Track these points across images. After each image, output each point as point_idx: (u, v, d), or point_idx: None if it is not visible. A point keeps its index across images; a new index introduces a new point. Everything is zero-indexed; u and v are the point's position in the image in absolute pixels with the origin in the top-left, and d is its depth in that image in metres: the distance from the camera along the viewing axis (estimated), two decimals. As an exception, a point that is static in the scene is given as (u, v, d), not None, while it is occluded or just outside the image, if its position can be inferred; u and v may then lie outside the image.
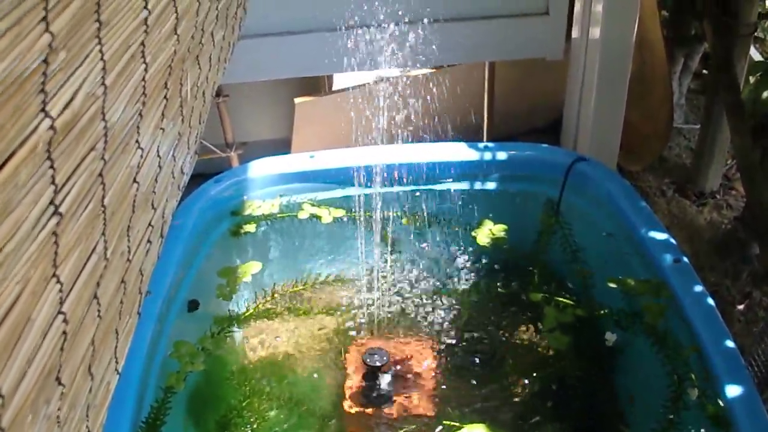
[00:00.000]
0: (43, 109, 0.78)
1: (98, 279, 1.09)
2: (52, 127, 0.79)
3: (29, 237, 0.80)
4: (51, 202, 0.84)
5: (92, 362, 1.23)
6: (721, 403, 1.72)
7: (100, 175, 0.99)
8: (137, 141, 1.16)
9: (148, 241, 1.45)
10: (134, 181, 1.18)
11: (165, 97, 1.32)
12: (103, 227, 1.04)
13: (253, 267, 2.25)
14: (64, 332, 0.97)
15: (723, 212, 3.17)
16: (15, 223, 0.76)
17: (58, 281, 0.91)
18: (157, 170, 1.34)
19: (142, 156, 1.19)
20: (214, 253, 2.32)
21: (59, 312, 0.94)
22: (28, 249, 0.80)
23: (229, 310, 2.19)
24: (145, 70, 1.15)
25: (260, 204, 2.42)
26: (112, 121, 1.00)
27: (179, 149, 1.54)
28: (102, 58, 0.95)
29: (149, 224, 1.41)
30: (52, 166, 0.82)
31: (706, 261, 2.88)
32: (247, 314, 2.21)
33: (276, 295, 2.29)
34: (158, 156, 1.33)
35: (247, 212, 2.39)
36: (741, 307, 2.70)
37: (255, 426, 1.93)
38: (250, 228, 2.36)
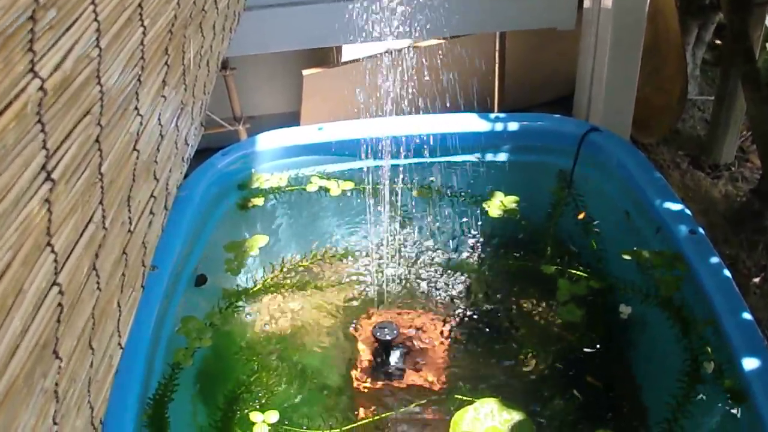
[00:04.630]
0: (32, 69, 0.74)
1: (96, 250, 1.05)
2: (41, 88, 0.76)
3: (20, 203, 0.76)
4: (43, 168, 0.81)
5: (93, 336, 1.20)
6: (737, 377, 1.69)
7: (97, 141, 0.96)
8: (136, 107, 1.12)
9: (151, 212, 1.42)
10: (134, 149, 1.14)
11: (166, 63, 1.29)
12: (101, 196, 1.01)
13: (261, 240, 2.22)
14: (60, 304, 0.94)
15: (738, 184, 3.12)
16: (4, 187, 0.73)
17: (53, 250, 0.88)
18: (159, 139, 1.31)
19: (141, 123, 1.16)
20: (222, 227, 2.30)
21: (54, 283, 0.91)
22: (18, 215, 0.77)
23: (237, 285, 2.17)
24: (144, 33, 1.11)
25: (268, 177, 2.39)
26: (108, 85, 0.96)
27: (183, 119, 1.51)
28: (96, 19, 0.92)
29: (152, 195, 1.38)
30: (43, 130, 0.79)
31: (721, 234, 2.84)
32: (255, 289, 2.18)
33: (285, 269, 2.26)
34: (160, 124, 1.30)
35: (254, 185, 2.36)
36: (757, 279, 2.66)
37: (264, 401, 1.91)
38: (258, 201, 2.33)
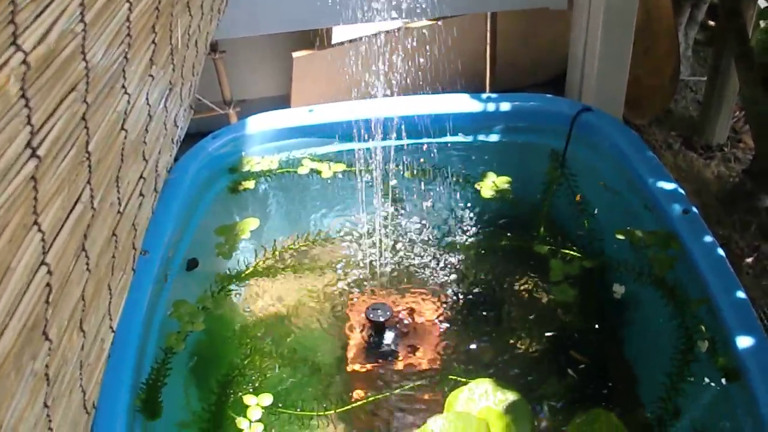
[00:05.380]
0: (14, 42, 0.73)
1: (85, 230, 1.04)
2: (25, 62, 0.74)
3: (4, 179, 0.75)
4: (28, 144, 0.79)
5: (83, 318, 1.19)
6: (731, 355, 1.69)
7: (83, 118, 0.95)
8: (123, 86, 1.11)
9: (141, 194, 1.40)
10: (122, 128, 1.13)
11: (153, 42, 1.27)
12: (89, 175, 1.00)
13: (252, 224, 2.21)
14: (49, 284, 0.92)
15: (730, 165, 3.11)
16: (-13, 163, 0.72)
17: (40, 229, 0.86)
18: (147, 119, 1.29)
19: (129, 102, 1.14)
20: (213, 211, 2.28)
21: (42, 263, 0.89)
22: (3, 192, 0.75)
23: (228, 268, 2.16)
24: (129, 10, 1.10)
25: (259, 160, 2.37)
26: (94, 61, 0.95)
27: (171, 100, 1.49)
28: (80, -7, 0.90)
29: (141, 176, 1.37)
30: (27, 105, 0.77)
31: (714, 214, 2.83)
32: (247, 272, 2.17)
33: (277, 252, 2.25)
34: (148, 104, 1.28)
35: (245, 168, 2.35)
36: (750, 260, 2.65)
37: (257, 384, 1.91)
38: (249, 185, 2.32)
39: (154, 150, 1.41)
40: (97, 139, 1.00)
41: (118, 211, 1.23)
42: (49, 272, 0.91)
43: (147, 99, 1.28)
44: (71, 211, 0.96)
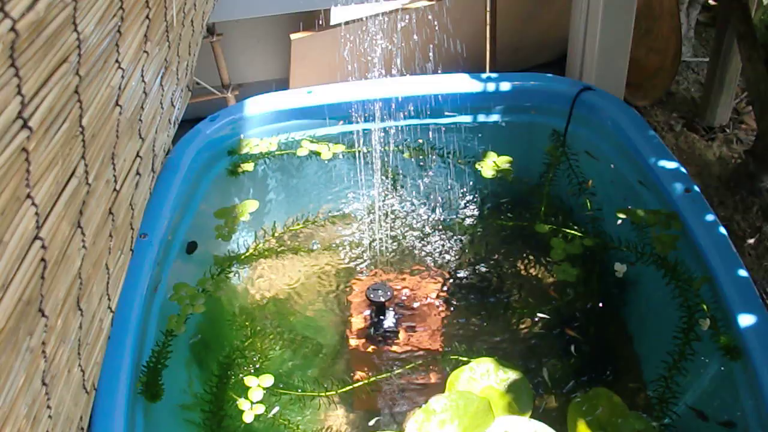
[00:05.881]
0: (2, 9, 0.72)
1: (80, 206, 1.03)
2: (13, 29, 0.73)
3: (-5, 150, 0.74)
4: (19, 115, 0.78)
5: (80, 296, 1.18)
6: (733, 333, 1.68)
7: (76, 92, 0.93)
8: (117, 60, 1.09)
9: (137, 173, 1.39)
10: (116, 104, 1.12)
11: (147, 17, 1.26)
12: (83, 150, 0.99)
13: (251, 206, 2.20)
14: (43, 259, 0.92)
15: (733, 146, 3.10)
16: (-25, 131, 0.71)
17: (33, 203, 0.85)
18: (143, 96, 1.28)
19: (123, 77, 1.13)
20: (212, 194, 2.27)
21: (36, 237, 0.89)
22: (-7, 163, 0.74)
23: (228, 251, 2.15)
24: (122, -17, 1.09)
25: (258, 142, 2.36)
26: (86, 33, 0.94)
27: (167, 78, 1.48)
28: (71, -37, 0.89)
29: (137, 155, 1.36)
30: (17, 74, 0.76)
31: (716, 195, 2.82)
32: (247, 254, 2.16)
33: (276, 234, 2.24)
34: (143, 81, 1.27)
35: (244, 151, 2.33)
36: (752, 241, 2.64)
37: (258, 365, 1.90)
38: (248, 167, 2.31)
39: (151, 129, 1.40)
40: (90, 113, 0.99)
41: (114, 189, 1.22)
42: (44, 247, 0.90)
43: (142, 76, 1.27)
44: (65, 185, 0.95)
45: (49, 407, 1.09)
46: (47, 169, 0.88)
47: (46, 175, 0.88)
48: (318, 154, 2.34)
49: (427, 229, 2.29)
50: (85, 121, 0.97)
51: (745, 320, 1.68)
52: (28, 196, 0.84)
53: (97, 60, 1.00)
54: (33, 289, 0.91)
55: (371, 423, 1.79)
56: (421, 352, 1.94)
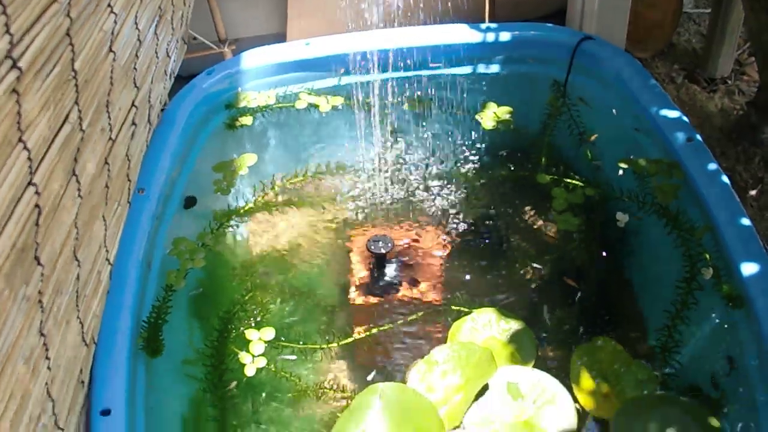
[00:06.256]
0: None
1: (75, 153, 1.01)
2: (-1, -36, 0.71)
3: (-17, 89, 0.72)
4: (8, 55, 0.76)
5: (77, 246, 1.17)
6: (736, 282, 1.68)
7: (68, 35, 0.91)
8: (110, 5, 1.07)
9: (133, 123, 1.38)
10: (110, 50, 1.09)
11: (140, -39, 1.23)
12: (76, 95, 0.97)
13: (250, 159, 2.18)
14: (38, 205, 0.90)
15: (735, 98, 3.07)
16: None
17: (26, 147, 0.84)
18: (137, 44, 1.26)
19: (116, 23, 1.10)
20: (210, 148, 2.26)
21: (30, 183, 0.87)
22: (-18, 103, 0.73)
23: (228, 205, 2.14)
24: (113, -77, 1.06)
25: (255, 95, 2.34)
26: (76, -27, 0.91)
27: (162, 27, 1.46)
28: None
29: (133, 104, 1.34)
30: (4, 12, 0.74)
31: (717, 147, 2.80)
32: (246, 208, 2.15)
33: (276, 188, 2.22)
34: (137, 28, 1.25)
35: (242, 104, 2.31)
36: (753, 192, 2.63)
37: (259, 319, 1.89)
38: (246, 120, 2.29)
39: (146, 78, 1.37)
40: (83, 57, 0.97)
41: (110, 138, 1.20)
42: (38, 192, 0.89)
43: (136, 22, 1.24)
44: (59, 131, 0.93)
45: (47, 358, 1.09)
46: (39, 112, 0.86)
47: (38, 119, 0.86)
48: (317, 106, 2.31)
49: (428, 181, 2.27)
50: (77, 66, 0.95)
51: (748, 269, 1.67)
52: (20, 140, 0.83)
53: (89, 2, 0.98)
54: (27, 236, 0.90)
55: (373, 374, 1.79)
56: (422, 303, 1.94)
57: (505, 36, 2.40)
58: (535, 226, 2.13)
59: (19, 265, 0.88)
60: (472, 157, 2.31)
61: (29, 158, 0.84)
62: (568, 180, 2.09)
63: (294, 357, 1.82)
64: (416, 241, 2.10)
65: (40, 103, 0.85)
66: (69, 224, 1.07)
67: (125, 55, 1.20)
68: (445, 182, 2.25)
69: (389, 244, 1.98)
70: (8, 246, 0.83)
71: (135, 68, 1.28)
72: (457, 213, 2.18)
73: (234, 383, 1.77)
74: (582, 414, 1.64)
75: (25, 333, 0.97)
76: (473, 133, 2.34)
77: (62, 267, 1.08)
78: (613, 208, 2.02)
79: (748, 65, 3.18)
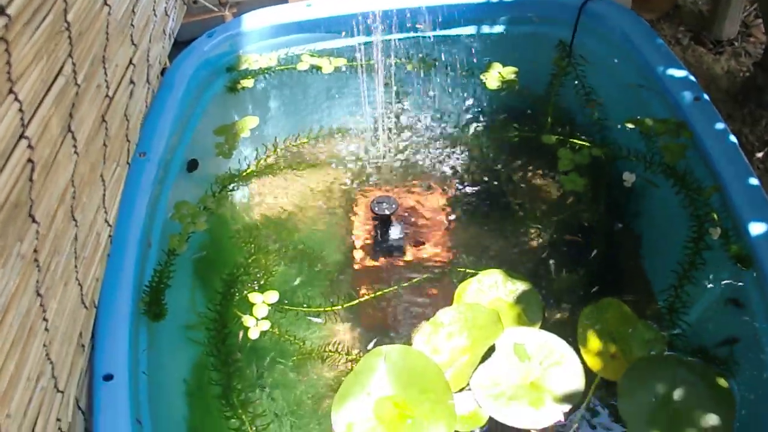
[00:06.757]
0: None
1: (70, 108, 0.99)
2: None
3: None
4: (-5, 0, 0.74)
5: (75, 206, 1.15)
6: (744, 242, 1.67)
7: (59, -17, 0.89)
8: (103, -45, 1.05)
9: (131, 81, 1.35)
10: (105, 2, 1.07)
11: None
12: (70, 47, 0.94)
13: (251, 122, 2.16)
14: (31, 160, 0.88)
15: (741, 60, 3.04)
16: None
17: (17, 99, 0.81)
18: (133, -1, 1.23)
19: (111, -26, 1.08)
20: (211, 111, 2.23)
21: (22, 136, 0.85)
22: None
23: (230, 168, 2.12)
24: None
25: (257, 58, 2.31)
26: None
27: (159, -16, 1.43)
28: None
29: (130, 62, 1.31)
30: (-9, -44, 0.72)
31: (724, 109, 2.78)
32: (248, 171, 2.13)
33: (278, 150, 2.20)
34: (133, -18, 1.22)
35: (243, 67, 2.29)
36: (760, 154, 2.61)
37: (263, 282, 1.88)
38: (248, 83, 2.27)
39: (144, 36, 1.35)
40: (76, 9, 0.95)
41: (107, 95, 1.18)
42: (30, 146, 0.86)
43: (131, -24, 1.21)
44: (52, 83, 0.91)
45: (45, 319, 1.07)
46: (31, 63, 0.84)
47: (29, 71, 0.84)
48: (319, 68, 2.29)
49: (432, 142, 2.24)
50: (70, 17, 0.93)
51: (756, 228, 1.66)
52: (11, 91, 0.80)
53: (81, -49, 0.95)
54: (21, 192, 0.87)
55: (378, 337, 1.78)
56: (427, 265, 1.92)
57: (509, -5, 2.37)
58: (540, 187, 2.11)
59: (12, 222, 0.86)
60: (476, 118, 2.29)
61: (21, 110, 0.82)
62: (574, 140, 2.07)
63: (320, 320, 1.80)
64: (421, 202, 2.08)
65: (31, 54, 0.83)
66: (65, 182, 1.05)
67: (121, 9, 1.17)
68: (450, 143, 2.23)
69: (393, 205, 1.96)
70: (0, 201, 0.81)
71: (132, 24, 1.26)
72: (462, 174, 2.15)
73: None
74: (589, 375, 1.63)
75: (21, 292, 0.95)
76: (478, 93, 2.31)
77: (59, 226, 1.06)
78: (620, 169, 2.00)
79: (755, 27, 3.15)
